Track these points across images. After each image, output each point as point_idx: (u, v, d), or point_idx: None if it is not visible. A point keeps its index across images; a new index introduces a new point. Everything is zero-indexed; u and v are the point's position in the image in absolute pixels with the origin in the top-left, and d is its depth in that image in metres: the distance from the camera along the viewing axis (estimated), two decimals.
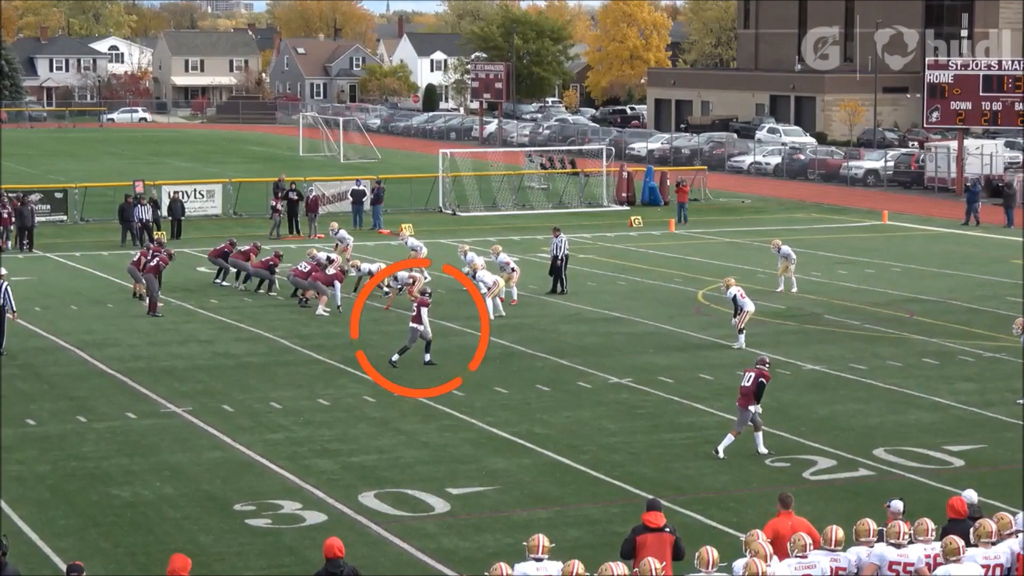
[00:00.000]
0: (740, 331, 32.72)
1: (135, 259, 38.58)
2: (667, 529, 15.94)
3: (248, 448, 24.47)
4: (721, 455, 23.67)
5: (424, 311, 30.52)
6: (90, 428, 25.81)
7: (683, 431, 25.70)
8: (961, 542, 14.70)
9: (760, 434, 24.01)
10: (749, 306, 32.70)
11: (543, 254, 47.24)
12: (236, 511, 21.01)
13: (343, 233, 44.79)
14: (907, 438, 25.20)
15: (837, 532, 14.94)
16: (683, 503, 21.18)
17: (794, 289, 40.17)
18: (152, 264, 37.29)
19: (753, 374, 23.79)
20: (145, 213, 51.25)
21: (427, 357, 30.84)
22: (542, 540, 14.97)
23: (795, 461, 23.68)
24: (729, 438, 23.88)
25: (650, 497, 18.48)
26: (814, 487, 22.34)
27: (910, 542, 15.11)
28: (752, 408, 23.67)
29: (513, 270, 38.61)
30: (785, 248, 40.33)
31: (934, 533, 15.16)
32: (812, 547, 14.87)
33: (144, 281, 37.52)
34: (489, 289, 36.76)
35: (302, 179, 60.94)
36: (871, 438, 25.11)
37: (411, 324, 30.69)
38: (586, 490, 22.24)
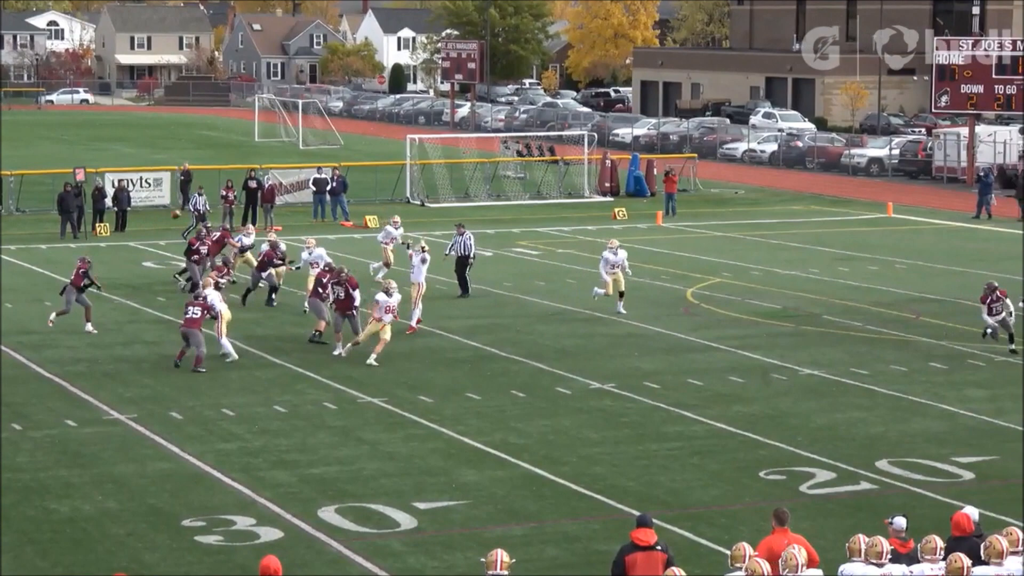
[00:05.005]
0: None
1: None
2: (659, 547, 15.90)
3: (198, 459, 24.45)
4: None
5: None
6: (26, 437, 25.75)
7: (670, 441, 25.76)
8: (967, 561, 14.74)
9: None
10: None
11: (520, 249, 47.38)
12: (185, 527, 20.99)
13: (320, 253, 37.49)
14: (912, 449, 25.29)
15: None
16: (670, 519, 21.20)
17: None
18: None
19: None
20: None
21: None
22: (501, 555, 14.96)
23: (791, 474, 23.76)
24: None
25: (639, 513, 18.48)
26: (812, 502, 22.42)
27: (904, 559, 15.24)
28: None
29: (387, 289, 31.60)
30: None
31: (942, 552, 15.22)
32: (806, 566, 14.93)
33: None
34: (218, 317, 31.57)
35: (258, 167, 60.75)
36: (873, 449, 25.19)
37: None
38: (565, 505, 22.28)
